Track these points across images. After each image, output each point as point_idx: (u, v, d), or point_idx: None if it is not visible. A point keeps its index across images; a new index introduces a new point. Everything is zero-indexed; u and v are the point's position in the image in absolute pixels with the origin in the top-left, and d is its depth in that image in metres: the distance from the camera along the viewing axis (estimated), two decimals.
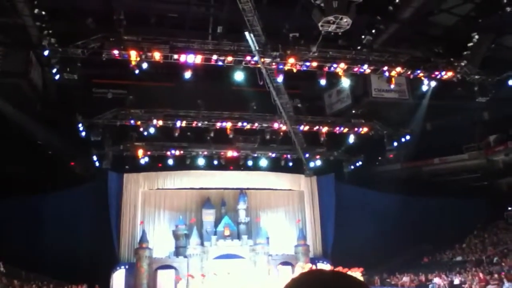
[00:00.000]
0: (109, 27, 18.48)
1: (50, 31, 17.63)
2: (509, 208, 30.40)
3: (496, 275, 21.43)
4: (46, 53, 18.16)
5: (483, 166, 31.58)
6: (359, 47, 19.30)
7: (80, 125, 23.42)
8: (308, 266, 23.45)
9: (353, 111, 26.76)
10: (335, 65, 19.65)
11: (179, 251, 27.47)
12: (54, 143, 25.61)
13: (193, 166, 28.15)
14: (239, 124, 25.45)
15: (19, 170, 25.56)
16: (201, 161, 27.97)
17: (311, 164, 29.11)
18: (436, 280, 23.21)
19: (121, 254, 27.02)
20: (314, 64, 19.57)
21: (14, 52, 20.67)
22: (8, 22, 18.31)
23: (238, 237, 28.05)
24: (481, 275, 21.87)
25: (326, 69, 19.82)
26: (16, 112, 22.26)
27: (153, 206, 29.31)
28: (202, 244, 27.31)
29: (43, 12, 16.95)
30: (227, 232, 27.99)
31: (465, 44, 19.11)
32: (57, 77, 19.11)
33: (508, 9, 16.17)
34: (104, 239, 26.08)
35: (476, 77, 20.45)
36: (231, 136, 25.81)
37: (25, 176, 25.20)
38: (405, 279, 25.07)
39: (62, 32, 18.26)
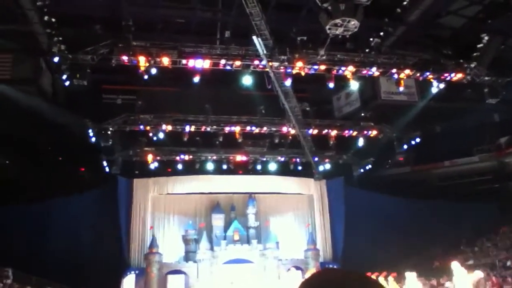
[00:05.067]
0: (117, 33, 18.66)
1: (60, 38, 17.83)
2: None
3: (509, 279, 21.14)
4: (56, 59, 18.32)
5: (494, 169, 31.25)
6: (367, 50, 19.26)
7: (90, 130, 23.60)
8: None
9: (362, 114, 26.65)
10: (343, 68, 19.58)
11: (188, 256, 27.49)
12: (63, 149, 25.81)
13: (202, 171, 28.18)
14: (248, 128, 25.45)
15: (29, 176, 25.81)
16: (210, 166, 27.99)
17: (320, 168, 29.02)
18: (448, 284, 22.93)
19: (131, 259, 27.08)
20: (322, 67, 19.52)
21: (24, 59, 20.94)
22: (18, 29, 18.56)
23: (248, 241, 27.99)
24: (494, 279, 21.59)
25: (334, 72, 19.77)
26: (26, 117, 22.47)
27: (163, 211, 29.37)
28: (211, 248, 27.29)
29: (53, 19, 17.14)
30: (236, 237, 27.94)
31: (474, 46, 19.00)
32: (67, 83, 19.28)
33: None
34: (114, 244, 26.18)
35: (486, 78, 20.29)
36: (239, 140, 25.83)
37: (34, 182, 25.42)
38: None
39: (72, 39, 18.46)
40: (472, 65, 19.53)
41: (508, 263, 23.92)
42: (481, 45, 18.54)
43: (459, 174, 32.13)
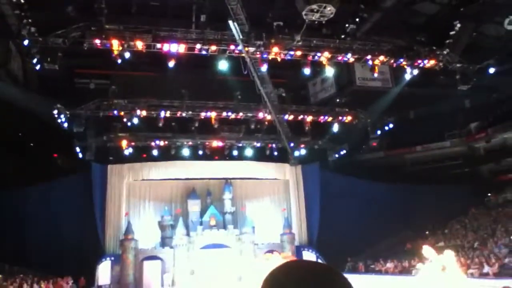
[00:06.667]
0: (90, 16, 18.15)
1: (30, 20, 17.23)
2: (489, 194, 31.03)
3: (477, 260, 21.87)
4: (26, 42, 17.74)
5: (464, 153, 32.07)
6: (342, 36, 19.31)
7: (62, 116, 23.06)
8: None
9: (337, 100, 26.84)
10: (319, 54, 19.64)
11: (165, 241, 27.49)
12: (35, 135, 25.23)
13: (178, 157, 28.03)
14: (224, 114, 25.32)
15: (1, 164, 25.15)
16: (186, 152, 27.85)
17: (296, 153, 29.25)
18: (419, 266, 23.53)
19: (106, 246, 26.90)
20: (298, 53, 19.51)
21: None
22: None
23: (224, 226, 28.15)
24: (462, 259, 22.29)
25: (310, 58, 19.81)
26: None
27: (138, 197, 29.18)
28: (188, 234, 27.35)
29: (22, 1, 16.56)
30: (213, 222, 28.05)
31: (447, 33, 19.26)
32: (38, 67, 18.72)
33: None
34: (89, 231, 25.91)
35: (458, 65, 20.67)
36: (216, 126, 25.71)
37: (6, 169, 24.80)
38: (389, 265, 25.42)
39: (42, 21, 17.88)
40: (445, 52, 19.83)
41: (476, 244, 24.71)
42: (453, 32, 18.82)
43: (431, 158, 32.88)
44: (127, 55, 18.71)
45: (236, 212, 29.32)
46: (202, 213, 28.58)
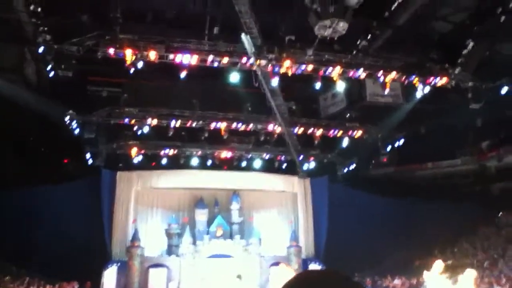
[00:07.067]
0: (104, 25, 18.38)
1: (45, 28, 17.50)
2: (500, 213, 30.63)
3: (486, 279, 21.58)
4: (41, 49, 18.02)
5: (475, 172, 31.75)
6: (354, 52, 19.32)
7: (73, 122, 23.32)
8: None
9: (348, 115, 26.80)
10: (330, 69, 19.67)
11: (171, 250, 27.53)
12: (46, 140, 25.50)
13: (187, 166, 28.14)
14: (234, 125, 25.39)
15: (11, 166, 25.43)
16: (195, 161, 27.96)
17: (305, 166, 29.20)
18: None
19: (113, 252, 27.00)
20: (310, 67, 19.53)
21: (7, 47, 20.55)
22: (2, 17, 18.20)
23: (231, 237, 28.11)
24: None
25: (321, 72, 19.84)
26: (8, 107, 22.07)
27: (146, 205, 29.28)
28: (194, 243, 27.37)
29: (39, 9, 16.82)
30: (219, 232, 28.03)
31: (459, 51, 19.16)
32: (51, 74, 18.98)
33: (503, 17, 16.25)
34: (96, 236, 26.02)
35: (470, 84, 20.56)
36: (225, 136, 25.79)
37: (16, 173, 25.08)
38: (397, 282, 25.17)
39: (58, 29, 18.13)
40: (457, 71, 19.72)
41: (485, 264, 24.40)
42: (466, 51, 18.72)
43: (441, 175, 32.58)
44: (140, 64, 18.89)
45: (243, 223, 29.28)
46: (209, 222, 28.58)
